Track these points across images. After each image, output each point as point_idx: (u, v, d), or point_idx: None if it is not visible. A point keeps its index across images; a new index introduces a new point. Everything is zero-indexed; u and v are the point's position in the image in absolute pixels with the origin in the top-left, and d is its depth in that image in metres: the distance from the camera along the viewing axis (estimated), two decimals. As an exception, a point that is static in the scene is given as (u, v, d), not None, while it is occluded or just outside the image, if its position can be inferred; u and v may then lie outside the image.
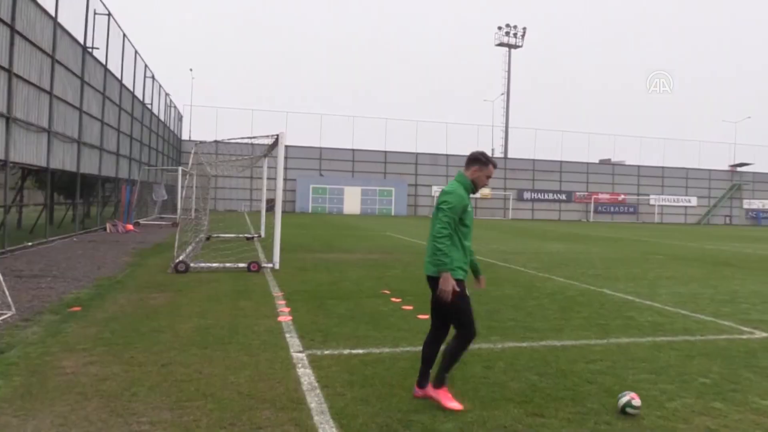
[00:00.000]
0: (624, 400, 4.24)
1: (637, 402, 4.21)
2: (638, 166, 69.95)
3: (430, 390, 4.38)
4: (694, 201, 72.48)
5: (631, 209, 69.77)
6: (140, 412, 4.02)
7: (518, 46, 68.75)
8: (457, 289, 4.26)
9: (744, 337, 6.91)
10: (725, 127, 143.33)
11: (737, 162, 74.53)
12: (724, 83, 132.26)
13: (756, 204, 74.11)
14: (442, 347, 4.50)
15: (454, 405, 4.25)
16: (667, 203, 71.58)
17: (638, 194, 70.23)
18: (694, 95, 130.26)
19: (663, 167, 71.72)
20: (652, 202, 70.90)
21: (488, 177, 4.60)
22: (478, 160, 4.56)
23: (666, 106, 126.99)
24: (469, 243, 4.50)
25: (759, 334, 7.05)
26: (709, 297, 9.90)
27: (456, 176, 4.60)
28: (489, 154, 4.66)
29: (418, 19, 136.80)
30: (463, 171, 4.60)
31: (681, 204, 72.10)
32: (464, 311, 4.38)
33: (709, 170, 73.54)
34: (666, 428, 3.99)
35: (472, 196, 4.53)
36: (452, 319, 4.44)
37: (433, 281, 4.39)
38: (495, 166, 4.63)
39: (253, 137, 12.95)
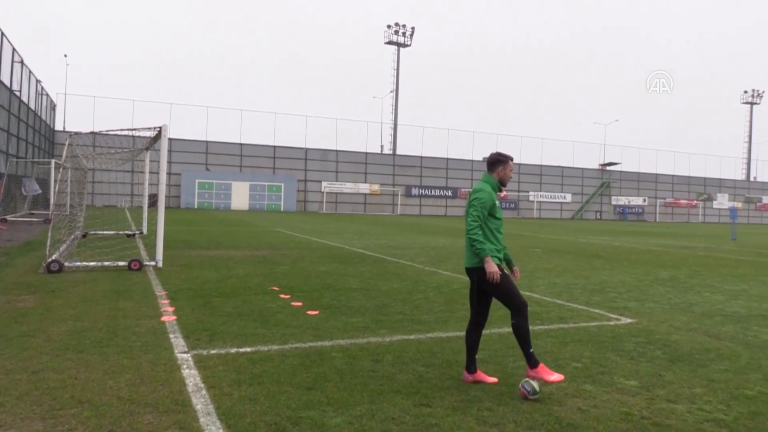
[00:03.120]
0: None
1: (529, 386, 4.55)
2: (519, 164, 73.42)
3: (479, 374, 4.86)
4: (568, 197, 77.20)
5: (512, 205, 73.17)
6: (8, 423, 3.73)
7: (407, 45, 70.00)
8: (500, 271, 4.68)
9: (611, 323, 7.46)
10: (596, 129, 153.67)
11: (607, 161, 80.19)
12: (595, 88, 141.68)
13: (623, 200, 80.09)
14: (512, 329, 4.73)
15: (556, 377, 4.59)
16: (545, 199, 75.78)
17: (518, 191, 73.77)
18: (568, 98, 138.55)
19: (541, 165, 75.84)
20: (531, 198, 74.76)
21: (511, 170, 5.01)
22: (500, 161, 4.95)
23: (543, 107, 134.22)
24: (501, 235, 4.87)
25: (624, 320, 7.64)
26: (582, 287, 10.59)
27: (483, 178, 4.96)
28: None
29: (309, 14, 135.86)
30: (488, 173, 4.96)
31: (557, 200, 76.59)
32: (510, 288, 4.73)
33: (582, 169, 78.62)
34: (542, 411, 4.23)
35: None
36: (502, 299, 4.76)
37: (473, 272, 4.81)
38: (512, 159, 5.06)
39: (134, 129, 12.38)
